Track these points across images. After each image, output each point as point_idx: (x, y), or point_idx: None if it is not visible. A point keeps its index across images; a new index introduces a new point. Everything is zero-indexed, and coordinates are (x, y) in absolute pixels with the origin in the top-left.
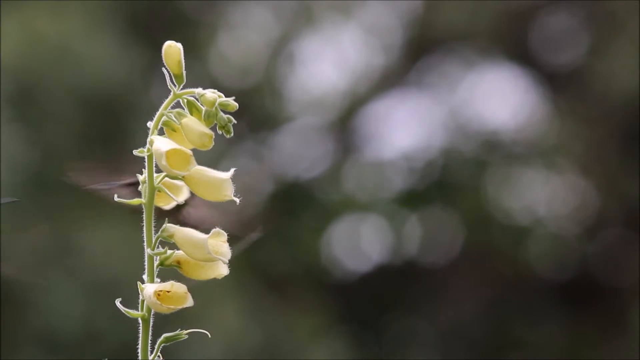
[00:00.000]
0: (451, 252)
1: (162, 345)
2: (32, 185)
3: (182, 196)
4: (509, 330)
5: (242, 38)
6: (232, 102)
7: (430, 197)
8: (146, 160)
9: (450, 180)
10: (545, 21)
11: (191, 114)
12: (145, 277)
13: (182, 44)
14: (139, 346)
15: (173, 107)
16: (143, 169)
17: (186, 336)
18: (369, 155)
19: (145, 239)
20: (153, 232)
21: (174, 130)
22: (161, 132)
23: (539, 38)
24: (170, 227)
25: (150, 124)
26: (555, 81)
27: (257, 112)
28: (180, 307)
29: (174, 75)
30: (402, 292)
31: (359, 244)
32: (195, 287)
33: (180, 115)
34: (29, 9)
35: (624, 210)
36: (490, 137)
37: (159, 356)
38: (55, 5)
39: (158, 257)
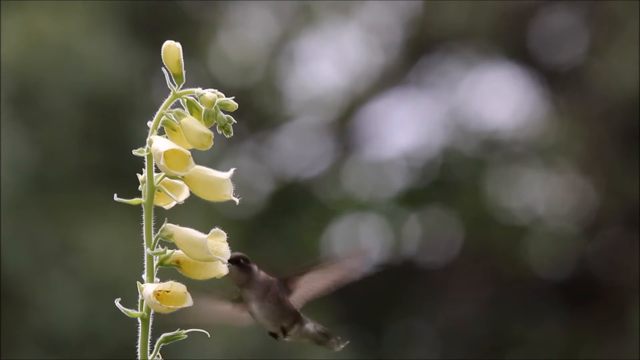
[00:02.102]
0: (451, 252)
1: (162, 345)
2: (32, 184)
3: (183, 196)
4: (508, 330)
5: (242, 37)
6: (231, 102)
7: (429, 196)
8: (146, 160)
9: (450, 180)
10: (544, 21)
11: (191, 113)
12: (144, 276)
13: (182, 44)
14: (139, 346)
15: (173, 107)
16: (143, 169)
17: (185, 336)
18: (368, 154)
19: (144, 239)
20: (152, 231)
21: (174, 129)
22: (161, 132)
23: (538, 37)
24: (169, 226)
25: (150, 124)
26: (554, 81)
27: (257, 112)
28: (180, 307)
29: (173, 74)
30: (401, 291)
31: (358, 243)
32: (195, 287)
33: (179, 115)
34: (30, 9)
35: (623, 209)
36: (489, 137)
37: (158, 356)
38: (56, 5)
39: (157, 257)
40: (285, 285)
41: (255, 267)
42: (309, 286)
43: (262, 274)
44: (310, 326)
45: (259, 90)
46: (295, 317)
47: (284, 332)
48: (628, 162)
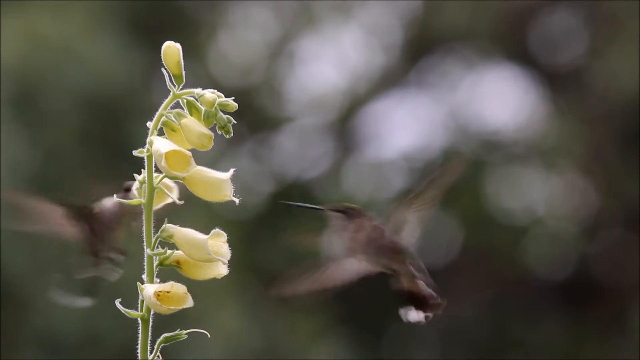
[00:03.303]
0: (451, 252)
1: (162, 345)
2: (32, 186)
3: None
4: (508, 330)
5: (242, 38)
6: (231, 103)
7: None
8: (146, 160)
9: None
10: (545, 21)
11: (191, 114)
12: (145, 277)
13: (182, 44)
14: (139, 346)
15: (173, 107)
16: (142, 169)
17: (186, 336)
18: (368, 155)
19: (145, 239)
20: (152, 232)
21: (173, 130)
22: (161, 132)
23: (538, 38)
24: (169, 227)
25: (150, 124)
26: (555, 81)
27: (257, 112)
28: (180, 307)
29: (173, 75)
30: (401, 292)
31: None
32: (195, 288)
33: (179, 116)
34: (30, 10)
35: (623, 210)
36: (490, 137)
37: (158, 356)
38: (57, 7)
39: (157, 257)
40: (393, 223)
41: (350, 214)
42: (416, 215)
43: (356, 221)
44: (420, 273)
45: (259, 91)
46: (402, 255)
47: (394, 272)
48: (628, 163)
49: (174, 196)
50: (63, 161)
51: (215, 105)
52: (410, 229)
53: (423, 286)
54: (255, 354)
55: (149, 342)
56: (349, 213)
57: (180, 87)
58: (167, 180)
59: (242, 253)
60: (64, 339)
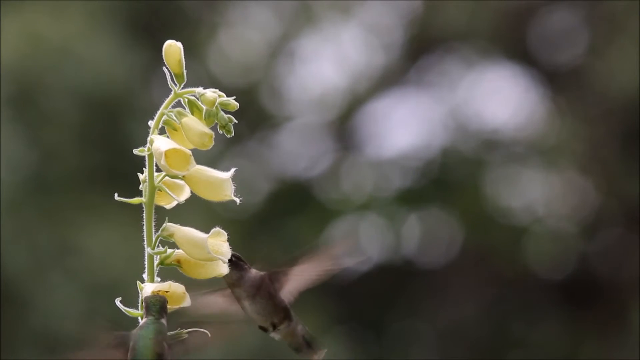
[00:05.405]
0: (450, 252)
1: None
2: (31, 185)
3: (183, 195)
4: (508, 330)
5: (242, 37)
6: (232, 102)
7: (429, 196)
8: (147, 159)
9: (450, 180)
10: (545, 21)
11: (192, 113)
12: (145, 276)
13: (183, 44)
14: None
15: (174, 107)
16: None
17: (186, 336)
18: (368, 154)
19: (145, 238)
20: (153, 231)
21: (175, 129)
22: (162, 132)
23: (538, 38)
24: (170, 226)
25: (151, 123)
26: (555, 81)
27: (257, 111)
28: (178, 307)
29: (174, 74)
30: (401, 291)
31: (358, 243)
32: (194, 287)
33: (180, 115)
34: (29, 10)
35: (623, 209)
36: (489, 137)
37: None
38: (56, 7)
39: (158, 256)
40: (276, 280)
41: (247, 265)
42: (298, 279)
43: (253, 271)
44: (299, 327)
45: (259, 90)
46: (285, 313)
47: (274, 327)
48: (628, 162)
49: (174, 195)
50: (62, 161)
51: (216, 104)
52: (289, 288)
53: (302, 333)
54: (255, 353)
55: None
56: (237, 264)
57: (181, 86)
58: (175, 179)
59: (242, 252)
60: (63, 339)
